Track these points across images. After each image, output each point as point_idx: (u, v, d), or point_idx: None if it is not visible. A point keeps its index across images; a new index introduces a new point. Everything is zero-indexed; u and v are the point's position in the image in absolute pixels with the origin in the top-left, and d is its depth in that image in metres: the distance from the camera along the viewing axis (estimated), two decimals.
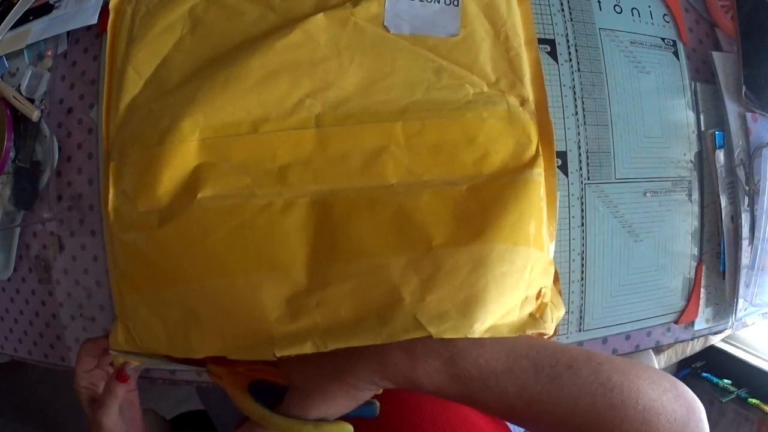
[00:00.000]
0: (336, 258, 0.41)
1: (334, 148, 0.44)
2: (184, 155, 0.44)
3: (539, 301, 0.43)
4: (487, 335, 0.38)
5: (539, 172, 0.44)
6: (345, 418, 0.39)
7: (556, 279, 0.50)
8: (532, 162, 0.44)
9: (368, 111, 0.45)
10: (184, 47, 0.48)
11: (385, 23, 0.47)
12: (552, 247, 0.46)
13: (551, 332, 0.43)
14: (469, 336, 0.37)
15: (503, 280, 0.40)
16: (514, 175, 0.44)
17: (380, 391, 0.40)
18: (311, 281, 0.40)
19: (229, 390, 0.42)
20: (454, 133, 0.44)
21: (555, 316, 0.43)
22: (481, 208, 0.42)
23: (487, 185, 0.43)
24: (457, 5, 0.48)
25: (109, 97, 0.49)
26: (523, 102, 0.46)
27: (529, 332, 0.40)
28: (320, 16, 0.46)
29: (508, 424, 0.52)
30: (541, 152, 0.45)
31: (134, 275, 0.44)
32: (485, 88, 0.46)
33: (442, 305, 0.39)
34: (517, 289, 0.41)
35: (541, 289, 0.43)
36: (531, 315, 0.41)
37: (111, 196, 0.45)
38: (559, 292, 0.50)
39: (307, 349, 0.38)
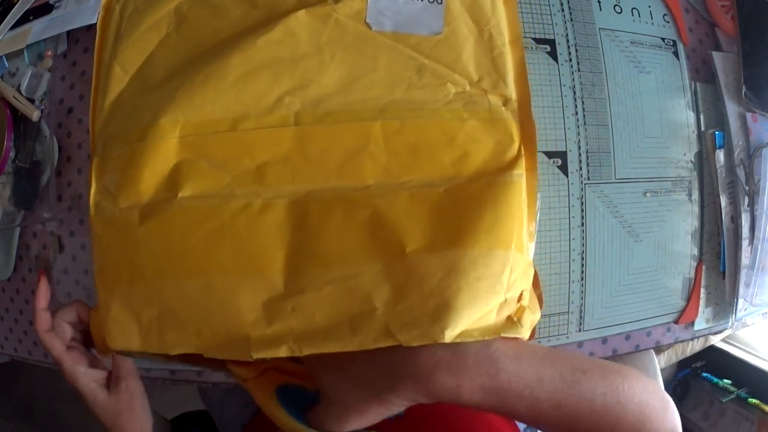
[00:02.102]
0: (312, 264, 0.41)
1: (312, 147, 0.44)
2: (165, 152, 0.44)
3: (519, 304, 0.42)
4: (458, 340, 0.38)
5: (520, 174, 0.44)
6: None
7: (536, 281, 0.50)
8: (512, 163, 0.44)
9: (348, 109, 0.45)
10: (169, 44, 0.48)
11: (367, 20, 0.47)
12: (532, 248, 0.46)
13: (526, 337, 0.42)
14: (439, 341, 0.37)
15: (477, 284, 0.40)
16: (494, 176, 0.43)
17: None
18: (287, 286, 0.41)
19: (256, 395, 0.41)
20: (433, 133, 0.44)
21: (530, 320, 0.43)
22: (458, 211, 0.42)
23: (465, 187, 0.43)
24: (441, 3, 0.47)
25: (96, 93, 0.49)
26: (506, 102, 0.46)
27: (504, 336, 0.40)
28: (302, 12, 0.46)
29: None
30: (522, 153, 0.45)
31: (110, 272, 0.44)
32: (467, 87, 0.46)
33: (413, 313, 0.39)
34: (495, 293, 0.40)
35: (522, 292, 0.42)
36: (509, 318, 0.41)
37: (93, 191, 0.45)
38: (540, 295, 0.50)
39: (282, 353, 0.39)
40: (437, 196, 0.43)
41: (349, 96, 0.45)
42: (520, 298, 0.42)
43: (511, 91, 0.47)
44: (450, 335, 0.38)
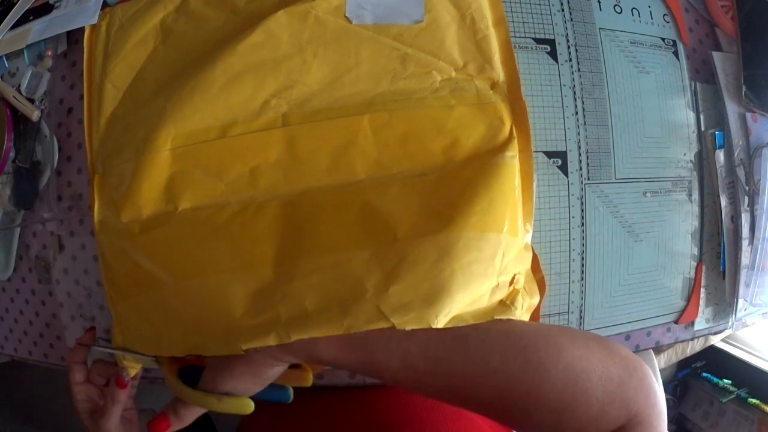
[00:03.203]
0: (302, 254, 0.41)
1: (302, 147, 0.44)
2: (159, 165, 0.45)
3: (512, 287, 0.42)
4: (450, 324, 0.37)
5: (512, 156, 0.44)
6: (262, 402, 0.41)
7: (536, 265, 0.50)
8: (504, 145, 0.44)
9: (334, 106, 0.45)
10: (157, 58, 0.49)
11: (346, 14, 0.47)
12: (529, 231, 0.46)
13: (524, 320, 0.42)
14: (433, 326, 0.37)
15: (470, 268, 0.39)
16: (486, 159, 0.43)
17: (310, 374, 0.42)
18: (277, 277, 0.41)
19: (166, 376, 0.44)
20: (422, 123, 0.44)
21: (527, 303, 0.43)
22: (450, 195, 0.41)
23: (457, 172, 0.43)
24: None
25: (90, 111, 0.50)
26: (494, 85, 0.46)
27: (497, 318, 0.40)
28: (280, 13, 0.46)
29: None
30: (515, 134, 0.45)
31: (121, 282, 0.46)
32: (453, 74, 0.46)
33: (405, 296, 0.38)
34: (487, 276, 0.40)
35: (514, 275, 0.42)
36: (501, 302, 0.41)
37: (96, 208, 0.47)
38: (541, 279, 0.50)
39: (271, 340, 0.38)
40: (429, 184, 0.43)
41: (334, 92, 0.45)
42: (512, 282, 0.43)
43: (499, 73, 0.47)
44: (443, 320, 0.38)
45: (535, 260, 0.49)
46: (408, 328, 0.37)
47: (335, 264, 0.40)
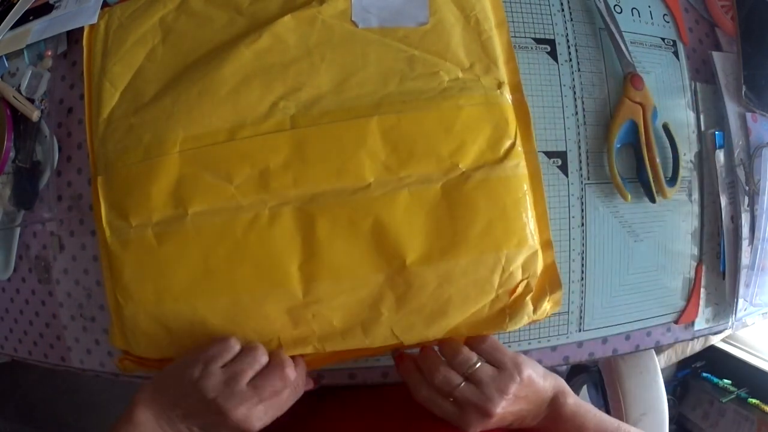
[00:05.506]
0: (324, 276, 0.44)
1: (311, 149, 0.45)
2: (168, 168, 0.45)
3: (514, 296, 0.45)
4: (447, 336, 0.45)
5: (515, 165, 0.45)
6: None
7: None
8: (507, 153, 0.45)
9: (343, 108, 0.45)
10: (156, 57, 0.49)
11: (352, 18, 0.47)
12: (547, 230, 0.48)
13: (539, 318, 0.46)
14: (431, 339, 0.44)
15: (467, 290, 0.44)
16: (488, 171, 0.45)
17: None
18: (305, 296, 0.44)
19: None
20: (430, 124, 0.45)
21: (551, 299, 0.46)
22: (452, 216, 0.44)
23: (460, 185, 0.44)
24: None
25: (90, 111, 0.50)
26: (500, 85, 0.47)
27: (497, 329, 0.45)
28: (288, 17, 0.47)
29: None
30: (518, 137, 0.46)
31: (134, 291, 0.46)
32: (460, 74, 0.46)
33: (411, 318, 0.44)
34: (484, 293, 0.44)
35: (518, 284, 0.45)
36: (501, 311, 0.45)
37: (103, 210, 0.47)
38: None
39: (309, 350, 0.44)
40: (434, 197, 0.44)
41: (342, 94, 0.46)
42: (513, 291, 0.45)
43: (503, 74, 0.47)
44: (440, 334, 0.44)
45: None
46: (412, 343, 0.44)
47: (354, 287, 0.44)
